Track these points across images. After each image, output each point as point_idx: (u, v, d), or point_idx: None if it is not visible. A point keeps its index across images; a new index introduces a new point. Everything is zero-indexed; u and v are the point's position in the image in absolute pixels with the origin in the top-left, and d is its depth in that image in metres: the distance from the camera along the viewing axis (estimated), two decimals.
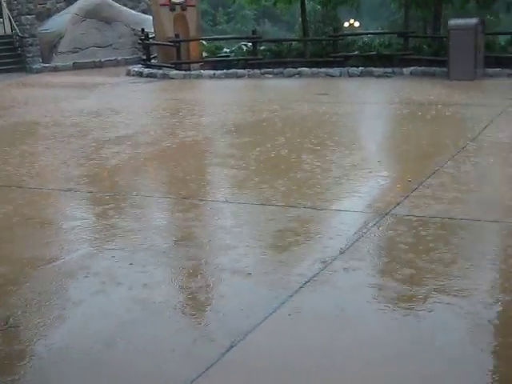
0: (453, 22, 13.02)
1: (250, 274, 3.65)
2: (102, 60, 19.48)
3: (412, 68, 13.72)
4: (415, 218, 4.45)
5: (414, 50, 14.65)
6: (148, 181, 6.10)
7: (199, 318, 3.21)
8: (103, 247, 4.15)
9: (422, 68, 13.64)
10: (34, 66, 18.45)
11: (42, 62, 18.88)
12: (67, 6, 20.68)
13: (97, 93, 13.22)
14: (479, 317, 3.06)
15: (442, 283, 3.43)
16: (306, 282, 3.45)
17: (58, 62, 19.05)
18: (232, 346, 2.85)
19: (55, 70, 18.50)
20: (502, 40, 15.36)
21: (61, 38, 19.44)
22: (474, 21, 12.72)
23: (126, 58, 19.71)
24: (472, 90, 11.08)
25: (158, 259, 3.92)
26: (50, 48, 19.29)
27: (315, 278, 3.50)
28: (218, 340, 2.93)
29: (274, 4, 17.15)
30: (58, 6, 20.84)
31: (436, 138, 7.28)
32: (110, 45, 20.17)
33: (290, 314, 3.16)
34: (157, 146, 7.36)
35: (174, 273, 3.74)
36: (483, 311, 3.11)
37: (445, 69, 12.83)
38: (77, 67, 18.80)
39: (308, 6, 19.28)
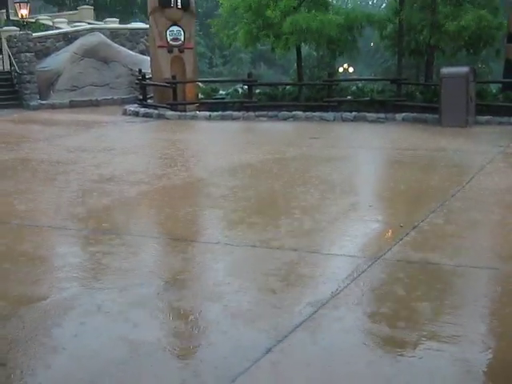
0: (445, 70, 13.29)
1: (241, 316, 3.64)
2: (99, 99, 19.69)
3: (404, 114, 13.92)
4: (407, 264, 4.47)
5: (407, 96, 14.90)
6: (141, 220, 6.11)
7: (188, 360, 3.19)
8: (93, 286, 4.13)
9: (415, 114, 13.84)
10: (32, 103, 18.63)
11: (40, 99, 19.07)
12: (67, 44, 21.00)
13: (93, 131, 13.32)
14: (469, 364, 3.06)
15: (432, 329, 3.43)
16: (297, 326, 3.45)
17: (55, 99, 19.24)
18: None
19: (52, 107, 18.68)
20: (494, 88, 15.66)
21: (59, 75, 19.69)
22: (465, 69, 12.99)
23: (123, 97, 19.93)
24: (463, 136, 11.24)
25: (149, 300, 3.91)
26: (47, 85, 19.51)
27: (306, 323, 3.50)
28: (207, 383, 2.90)
29: (272, 50, 17.42)
30: (57, 44, 21.15)
31: (427, 183, 7.35)
32: (107, 84, 20.42)
33: (279, 358, 3.15)
34: (151, 185, 7.40)
35: (163, 314, 3.73)
36: (473, 358, 3.11)
37: (437, 115, 13.03)
38: (73, 105, 18.99)
39: (303, 50, 19.62)
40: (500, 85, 15.53)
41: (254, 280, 4.26)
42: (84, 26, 23.04)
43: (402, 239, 5.01)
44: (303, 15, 15.14)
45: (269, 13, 15.31)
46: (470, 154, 9.24)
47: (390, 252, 4.70)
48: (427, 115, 13.54)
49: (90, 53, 20.20)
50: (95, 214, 6.04)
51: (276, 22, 15.42)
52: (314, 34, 15.19)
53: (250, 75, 16.59)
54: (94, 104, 19.39)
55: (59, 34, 21.71)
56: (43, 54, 20.78)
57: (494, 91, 14.99)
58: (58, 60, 20.07)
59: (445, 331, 3.41)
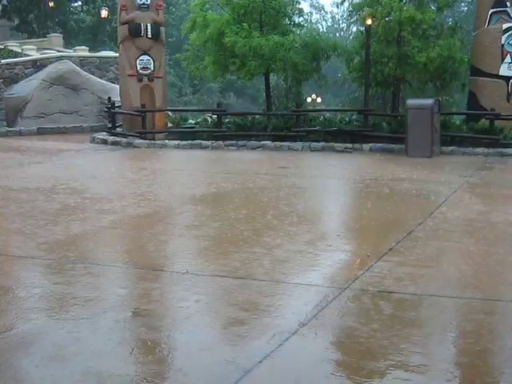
0: (410, 101, 13.59)
1: (208, 348, 3.63)
2: (67, 126, 19.57)
3: (371, 144, 14.15)
4: (374, 293, 4.51)
5: (374, 126, 15.15)
6: (108, 250, 6.06)
7: None
8: (60, 317, 4.07)
9: (382, 144, 14.08)
10: None
11: (7, 126, 18.87)
12: (35, 71, 20.89)
13: (60, 159, 13.20)
14: None
15: (399, 359, 3.46)
16: (265, 357, 3.44)
17: (22, 126, 19.06)
18: None
19: (20, 134, 18.49)
20: (458, 119, 16.05)
21: (27, 103, 19.54)
22: (430, 101, 13.30)
23: (92, 125, 19.85)
24: (429, 167, 11.45)
25: (116, 331, 3.87)
26: (15, 112, 19.34)
27: (273, 353, 3.50)
28: None
29: (238, 78, 17.74)
30: (26, 71, 21.04)
31: (394, 213, 7.46)
32: (76, 111, 20.33)
33: None
34: (117, 215, 7.35)
35: (131, 345, 3.69)
36: None
37: (403, 146, 13.27)
38: (41, 132, 18.82)
39: (272, 80, 19.88)
40: (464, 116, 15.93)
41: (221, 310, 4.26)
42: (53, 53, 22.99)
43: (369, 269, 5.06)
44: (257, 39, 15.47)
45: (226, 40, 15.59)
46: (435, 184, 9.42)
47: (357, 281, 4.74)
48: (394, 145, 13.79)
49: (59, 80, 20.12)
50: (61, 243, 5.97)
51: (230, 43, 15.68)
52: (275, 59, 15.51)
53: (219, 105, 16.72)
54: (63, 131, 19.25)
55: (28, 60, 21.61)
56: (11, 80, 20.64)
57: (458, 122, 15.35)
58: (27, 87, 19.94)
59: (412, 360, 3.44)
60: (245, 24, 15.88)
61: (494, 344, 3.83)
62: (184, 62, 17.93)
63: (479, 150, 13.26)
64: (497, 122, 13.65)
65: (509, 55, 14.33)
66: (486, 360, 3.56)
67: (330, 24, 60.79)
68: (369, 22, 15.19)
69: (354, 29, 20.20)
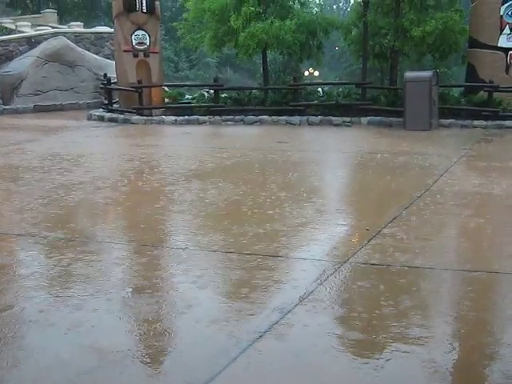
0: (408, 74, 13.51)
1: (209, 323, 3.64)
2: (64, 103, 19.43)
3: (369, 118, 14.09)
4: (373, 267, 4.52)
5: (372, 100, 15.07)
6: (107, 227, 6.06)
7: (158, 367, 3.18)
8: (61, 295, 4.09)
9: (380, 118, 14.02)
10: None
11: (3, 104, 18.75)
12: (30, 48, 20.68)
13: (57, 136, 13.14)
14: (436, 365, 3.11)
15: (399, 331, 3.48)
16: (266, 331, 3.46)
17: (18, 104, 18.93)
18: None
19: (16, 112, 18.37)
20: (456, 92, 15.97)
21: (22, 80, 19.38)
22: (428, 74, 13.22)
23: (88, 101, 19.72)
24: (427, 140, 11.42)
25: (117, 307, 3.88)
26: (11, 90, 19.20)
27: (274, 327, 3.52)
28: None
29: (236, 55, 17.58)
30: (20, 48, 20.82)
31: (392, 187, 7.46)
32: (72, 88, 20.16)
33: (249, 363, 3.16)
34: (116, 191, 7.34)
35: (132, 321, 3.71)
36: (440, 359, 3.17)
37: (401, 119, 13.22)
38: (37, 110, 18.70)
39: (269, 55, 19.72)
40: (462, 88, 15.85)
41: (222, 285, 4.27)
42: (48, 29, 22.72)
43: (368, 242, 5.07)
44: (259, 26, 15.34)
45: (232, 22, 15.43)
46: (433, 157, 9.40)
47: (356, 255, 4.75)
48: (392, 119, 13.73)
49: (54, 57, 19.92)
50: (61, 221, 5.97)
51: (237, 28, 15.55)
52: (272, 40, 15.45)
53: (216, 79, 16.60)
54: (59, 109, 19.13)
55: (22, 37, 21.36)
56: (6, 58, 20.43)
57: (457, 95, 15.27)
58: (22, 64, 19.75)
59: (411, 333, 3.46)
60: (246, 7, 15.66)
61: (493, 316, 3.85)
62: (180, 31, 17.78)
63: (477, 122, 13.21)
64: (496, 95, 13.57)
65: (507, 26, 14.21)
66: (485, 332, 3.58)
67: None
68: None
69: (353, 0, 19.95)
